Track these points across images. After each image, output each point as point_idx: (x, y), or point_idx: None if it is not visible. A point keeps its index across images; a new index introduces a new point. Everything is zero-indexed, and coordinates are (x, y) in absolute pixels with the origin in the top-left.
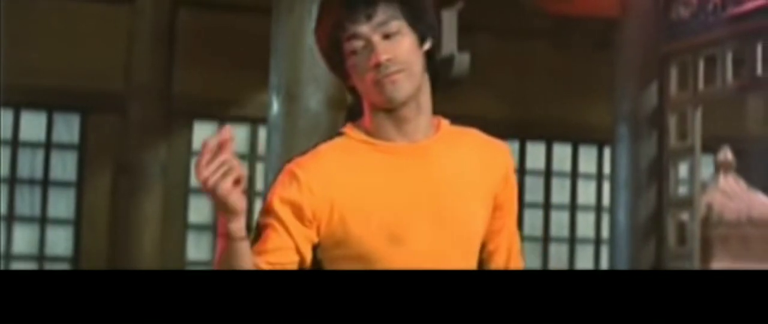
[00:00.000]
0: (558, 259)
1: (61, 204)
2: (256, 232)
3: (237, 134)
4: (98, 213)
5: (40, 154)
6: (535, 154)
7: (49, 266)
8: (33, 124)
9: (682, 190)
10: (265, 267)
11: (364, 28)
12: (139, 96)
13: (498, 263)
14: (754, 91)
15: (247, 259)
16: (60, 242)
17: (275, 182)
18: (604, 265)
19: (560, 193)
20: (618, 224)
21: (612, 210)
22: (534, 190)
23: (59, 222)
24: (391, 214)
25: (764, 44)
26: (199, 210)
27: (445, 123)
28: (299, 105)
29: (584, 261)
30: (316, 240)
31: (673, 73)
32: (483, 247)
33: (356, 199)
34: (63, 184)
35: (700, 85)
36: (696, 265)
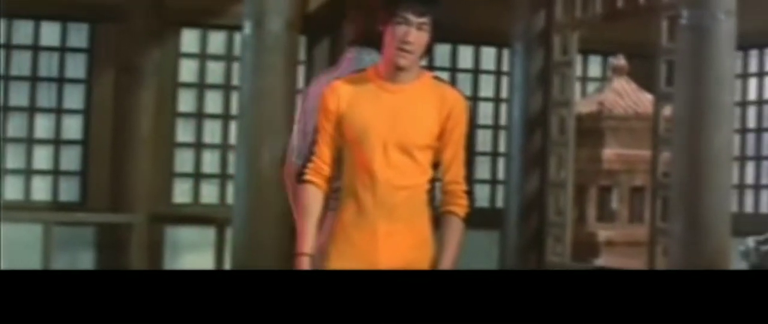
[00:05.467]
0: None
1: (74, 98)
2: (311, 142)
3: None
4: (104, 105)
5: (56, 57)
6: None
7: (64, 148)
8: (50, 33)
9: (562, 93)
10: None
11: (412, 18)
12: (138, 8)
13: (443, 164)
14: (616, 19)
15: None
16: (73, 128)
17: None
18: (502, 148)
19: (486, 88)
20: (513, 117)
21: (509, 107)
22: (463, 86)
23: (72, 112)
24: (364, 119)
25: None
26: (186, 101)
27: (427, 76)
28: (264, 28)
29: (485, 145)
30: (335, 127)
31: (558, 2)
32: (436, 154)
33: (352, 107)
34: (75, 81)
35: (578, 13)
36: (571, 149)
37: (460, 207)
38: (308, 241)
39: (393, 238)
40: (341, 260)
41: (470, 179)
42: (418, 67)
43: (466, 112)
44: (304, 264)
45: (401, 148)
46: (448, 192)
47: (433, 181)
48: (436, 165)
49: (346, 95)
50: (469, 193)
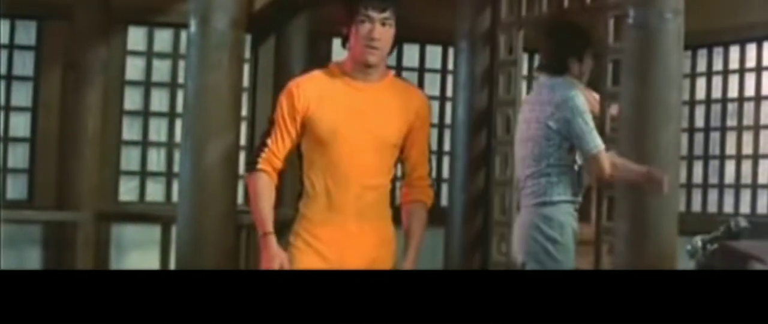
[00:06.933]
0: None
1: (22, 95)
2: (265, 133)
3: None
4: (51, 103)
5: (4, 55)
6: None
7: (12, 146)
8: None
9: (508, 92)
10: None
11: (375, 15)
12: (85, 5)
13: (410, 162)
14: (561, 18)
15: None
16: (20, 126)
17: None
18: (447, 146)
19: (432, 87)
20: (457, 116)
21: (453, 105)
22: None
23: (20, 109)
24: (336, 118)
25: None
26: (132, 99)
27: (391, 74)
28: (210, 26)
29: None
30: (299, 125)
31: (504, 1)
32: (402, 152)
33: (321, 106)
34: (23, 79)
35: (524, 12)
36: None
37: (427, 197)
38: (268, 221)
39: (361, 237)
40: (308, 258)
41: (431, 176)
42: (384, 64)
43: (430, 111)
44: (272, 242)
45: (372, 146)
46: (415, 186)
47: (394, 180)
48: (394, 164)
49: (315, 94)
50: (432, 187)
